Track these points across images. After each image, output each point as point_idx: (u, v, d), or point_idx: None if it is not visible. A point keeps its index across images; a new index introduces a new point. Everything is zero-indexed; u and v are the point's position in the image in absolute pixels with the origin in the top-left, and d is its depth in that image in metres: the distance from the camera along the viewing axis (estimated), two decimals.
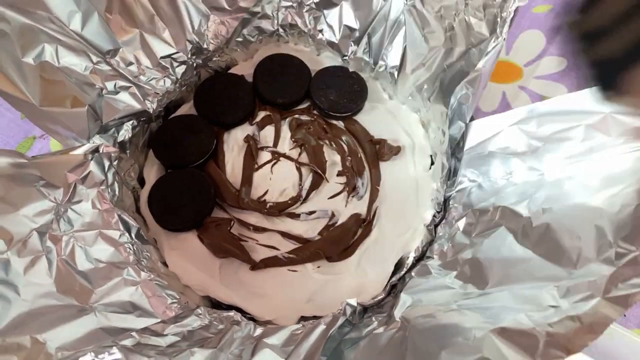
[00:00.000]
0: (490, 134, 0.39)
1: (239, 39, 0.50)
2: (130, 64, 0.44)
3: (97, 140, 0.43)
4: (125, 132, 0.44)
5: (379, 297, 0.41)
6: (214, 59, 0.50)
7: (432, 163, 0.48)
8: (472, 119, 0.42)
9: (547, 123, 0.36)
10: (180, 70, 0.47)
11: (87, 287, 0.37)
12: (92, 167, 0.41)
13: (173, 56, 0.47)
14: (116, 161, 0.43)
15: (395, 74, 0.48)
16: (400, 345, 0.32)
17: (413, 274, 0.40)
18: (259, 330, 0.36)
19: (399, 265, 0.43)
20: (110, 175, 0.42)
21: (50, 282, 0.36)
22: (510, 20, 0.37)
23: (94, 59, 0.42)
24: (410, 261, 0.42)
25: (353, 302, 0.36)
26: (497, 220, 0.38)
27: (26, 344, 0.33)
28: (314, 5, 0.49)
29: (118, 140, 0.44)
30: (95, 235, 0.39)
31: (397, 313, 0.35)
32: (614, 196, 0.32)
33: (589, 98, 0.34)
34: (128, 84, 0.44)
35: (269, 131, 0.49)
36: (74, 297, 0.36)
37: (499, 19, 0.38)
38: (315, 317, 0.41)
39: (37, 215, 0.38)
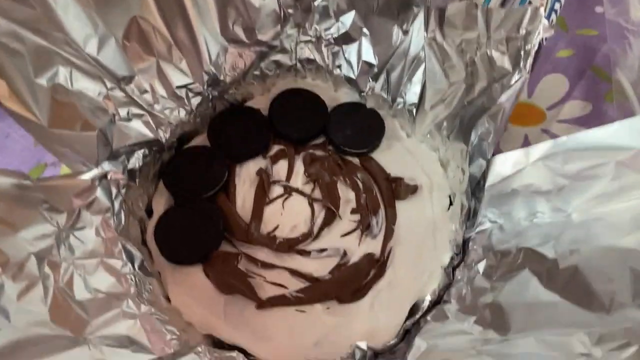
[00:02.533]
0: (513, 170, 0.37)
1: (256, 72, 0.50)
2: (145, 92, 0.44)
3: (105, 166, 0.41)
4: (136, 161, 0.43)
5: (391, 343, 0.38)
6: (230, 91, 0.49)
7: (451, 204, 0.46)
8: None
9: (574, 159, 0.34)
10: (196, 101, 0.47)
11: (83, 317, 0.35)
12: (99, 193, 0.40)
13: (189, 86, 0.46)
14: (124, 189, 0.42)
15: (414, 111, 0.47)
16: None
17: (429, 318, 0.37)
18: None
19: (413, 310, 0.41)
20: (117, 204, 0.41)
21: (45, 311, 0.34)
22: (534, 54, 0.36)
23: (108, 84, 0.42)
24: (425, 305, 0.39)
25: (363, 345, 0.33)
26: (520, 262, 0.35)
27: None
28: (332, 40, 0.48)
29: (128, 168, 0.43)
30: (96, 263, 0.38)
31: (411, 359, 0.32)
32: None
33: (619, 132, 0.32)
34: (141, 112, 0.44)
35: (282, 165, 0.48)
36: (68, 327, 0.34)
37: (522, 52, 0.37)
38: None
39: (37, 239, 0.36)
